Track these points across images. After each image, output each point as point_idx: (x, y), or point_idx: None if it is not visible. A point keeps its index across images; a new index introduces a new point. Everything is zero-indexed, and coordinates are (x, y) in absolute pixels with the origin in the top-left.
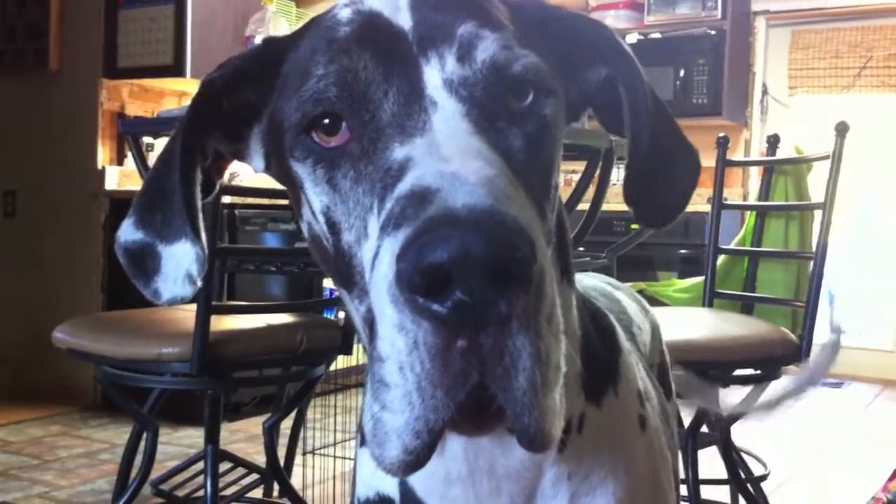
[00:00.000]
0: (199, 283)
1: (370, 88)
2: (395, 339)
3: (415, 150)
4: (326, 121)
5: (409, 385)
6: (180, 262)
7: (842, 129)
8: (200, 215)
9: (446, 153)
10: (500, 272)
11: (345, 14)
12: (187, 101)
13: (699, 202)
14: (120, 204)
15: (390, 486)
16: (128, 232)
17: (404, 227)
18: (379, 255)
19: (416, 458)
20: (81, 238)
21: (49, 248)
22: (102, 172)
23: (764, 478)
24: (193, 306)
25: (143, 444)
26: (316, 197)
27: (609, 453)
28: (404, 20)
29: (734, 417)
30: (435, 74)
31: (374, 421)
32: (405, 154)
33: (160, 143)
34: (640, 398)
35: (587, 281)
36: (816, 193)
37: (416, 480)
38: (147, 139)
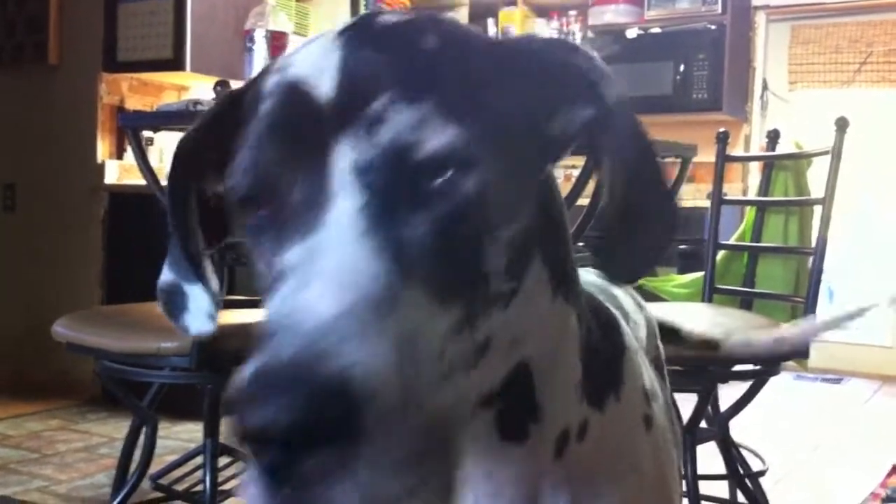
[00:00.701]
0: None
1: (279, 181)
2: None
3: (298, 257)
4: (250, 202)
5: None
6: (200, 301)
7: (842, 125)
8: (205, 261)
9: (317, 269)
10: (308, 437)
11: (269, 84)
12: (186, 96)
13: (699, 197)
14: (119, 198)
15: None
16: (164, 272)
17: (251, 362)
18: None
19: None
20: (81, 232)
21: (48, 242)
22: (102, 167)
23: (763, 473)
24: None
25: (142, 438)
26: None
27: (613, 455)
28: (326, 87)
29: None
30: (345, 157)
31: None
32: (291, 260)
33: (160, 138)
34: (646, 397)
35: (584, 277)
36: (816, 189)
37: None
38: (147, 133)
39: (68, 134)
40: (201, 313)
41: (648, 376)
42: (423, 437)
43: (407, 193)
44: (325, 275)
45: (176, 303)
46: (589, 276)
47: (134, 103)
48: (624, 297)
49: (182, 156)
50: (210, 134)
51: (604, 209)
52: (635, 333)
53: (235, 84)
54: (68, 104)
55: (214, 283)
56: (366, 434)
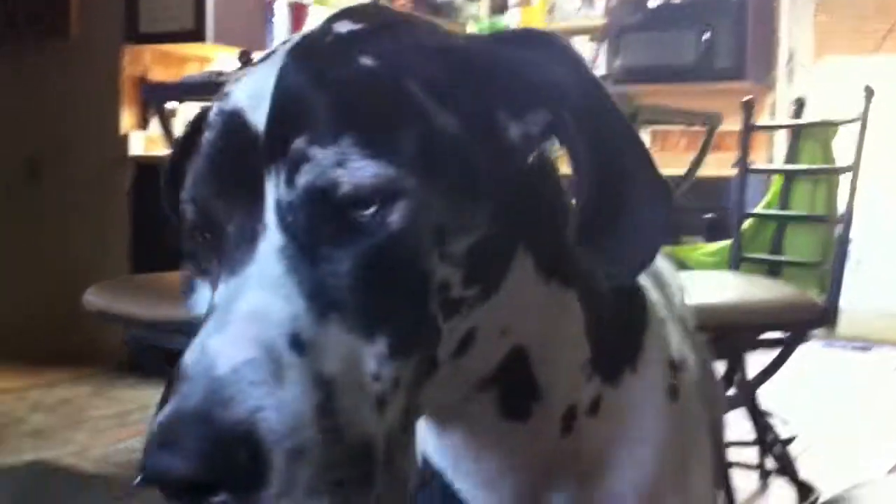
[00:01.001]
0: None
1: (218, 214)
2: None
3: (222, 297)
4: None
5: None
6: (206, 290)
7: (869, 93)
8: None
9: (234, 313)
10: (209, 483)
11: (213, 113)
12: (209, 67)
13: (724, 167)
14: (145, 170)
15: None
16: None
17: (165, 405)
18: None
19: None
20: (107, 204)
21: (75, 213)
22: (126, 138)
23: (791, 440)
24: None
25: None
26: None
27: (628, 428)
28: (260, 118)
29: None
30: (271, 196)
31: None
32: (217, 298)
33: (183, 109)
34: (672, 368)
35: None
36: (843, 157)
37: (433, 453)
38: (170, 105)
39: (92, 106)
40: (206, 301)
41: (678, 347)
42: (350, 465)
43: (329, 231)
44: (238, 319)
45: (189, 283)
46: None
47: (156, 75)
48: (662, 263)
49: (168, 180)
50: (186, 155)
51: (582, 206)
52: (672, 300)
53: (258, 55)
54: (90, 76)
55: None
56: (271, 477)
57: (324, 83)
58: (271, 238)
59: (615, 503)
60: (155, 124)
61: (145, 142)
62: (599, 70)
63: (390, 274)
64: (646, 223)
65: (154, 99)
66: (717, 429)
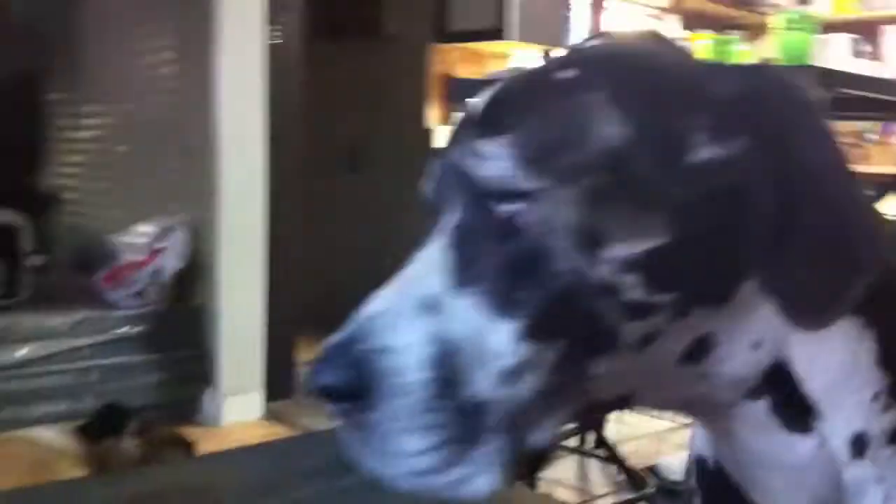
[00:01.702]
0: None
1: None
2: None
3: (414, 259)
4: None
5: None
6: None
7: None
8: None
9: (398, 275)
10: (347, 394)
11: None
12: (509, 64)
13: None
14: None
15: (706, 451)
16: None
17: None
18: None
19: None
20: (416, 195)
21: (389, 202)
22: (429, 132)
23: None
24: None
25: None
26: None
27: None
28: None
29: None
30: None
31: None
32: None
33: None
34: None
35: None
36: None
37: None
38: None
39: (402, 102)
40: None
41: None
42: (455, 419)
43: (482, 220)
44: (397, 280)
45: None
46: None
47: (460, 72)
48: None
49: None
50: None
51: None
52: None
53: (557, 52)
54: (402, 72)
55: None
56: (378, 403)
57: (518, 89)
58: (452, 218)
59: None
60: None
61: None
62: None
63: (529, 267)
64: (840, 264)
65: (459, 95)
66: None
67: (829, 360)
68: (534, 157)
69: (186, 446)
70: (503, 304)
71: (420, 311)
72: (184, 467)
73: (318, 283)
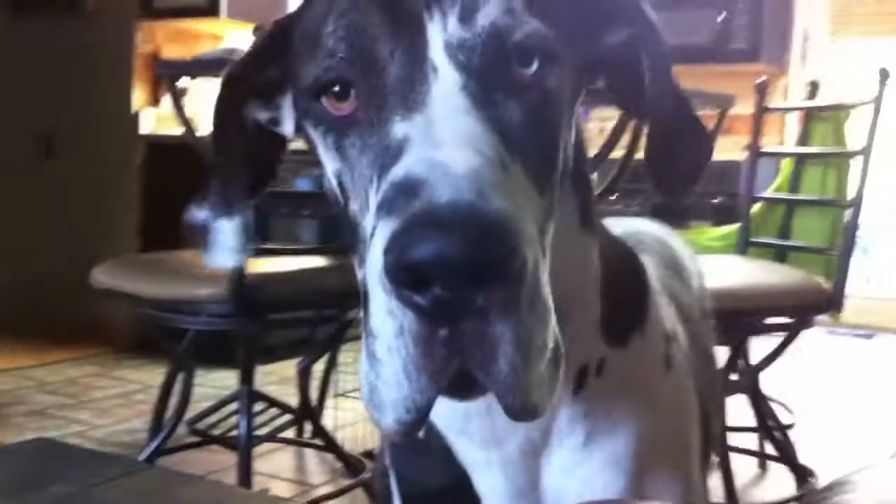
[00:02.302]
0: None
1: (377, 45)
2: (384, 321)
3: (413, 128)
4: (336, 88)
5: (397, 366)
6: (227, 237)
7: (884, 76)
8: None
9: (440, 136)
10: (478, 271)
11: None
12: (222, 45)
13: (734, 150)
14: (156, 147)
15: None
16: (194, 210)
17: (394, 216)
18: (374, 236)
19: (409, 428)
20: (118, 181)
21: (86, 190)
22: (137, 116)
23: (791, 426)
24: None
25: (177, 385)
26: (328, 162)
27: (632, 392)
28: None
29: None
30: (437, 35)
31: (369, 387)
32: (404, 132)
33: (195, 87)
34: (666, 339)
35: (643, 226)
36: (856, 141)
37: (437, 415)
38: (181, 84)
39: (105, 82)
40: (226, 249)
41: (669, 319)
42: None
43: (501, 79)
44: (452, 139)
45: (203, 238)
46: (645, 226)
47: (169, 52)
48: (681, 247)
49: (229, 81)
50: (257, 61)
51: (652, 129)
52: (692, 283)
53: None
54: (104, 52)
55: (247, 218)
56: (526, 275)
57: None
58: (447, 76)
59: (612, 465)
60: (167, 101)
61: (156, 119)
62: None
63: (545, 138)
64: (696, 149)
65: (167, 76)
66: (707, 406)
67: (578, 289)
68: (549, 19)
69: None
70: (538, 177)
71: (504, 169)
72: None
73: None
